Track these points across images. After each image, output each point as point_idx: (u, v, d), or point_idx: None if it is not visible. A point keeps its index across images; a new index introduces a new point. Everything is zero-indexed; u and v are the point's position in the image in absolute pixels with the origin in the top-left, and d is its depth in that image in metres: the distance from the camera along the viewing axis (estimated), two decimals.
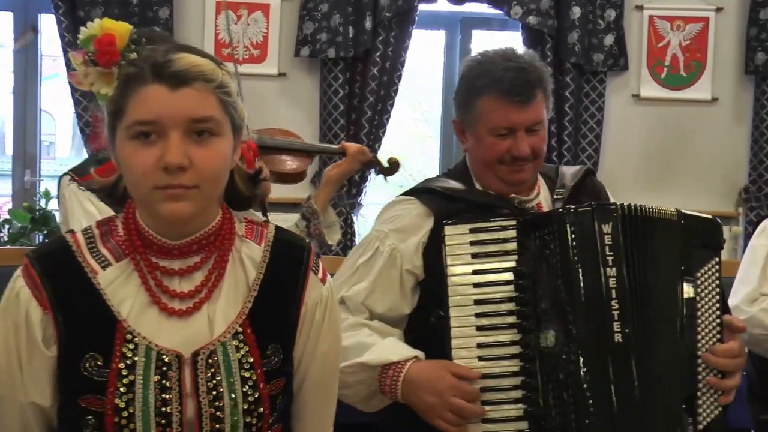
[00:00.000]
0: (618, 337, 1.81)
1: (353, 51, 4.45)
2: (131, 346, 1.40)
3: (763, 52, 4.63)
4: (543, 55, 4.58)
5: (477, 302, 1.89)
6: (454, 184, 2.11)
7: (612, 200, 2.19)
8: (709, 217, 2.00)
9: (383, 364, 1.90)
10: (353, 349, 1.91)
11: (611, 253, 1.84)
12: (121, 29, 1.39)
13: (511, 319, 1.88)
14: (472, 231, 1.93)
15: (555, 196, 2.11)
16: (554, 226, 1.87)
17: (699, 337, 1.90)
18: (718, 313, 1.93)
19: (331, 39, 4.42)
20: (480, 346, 1.88)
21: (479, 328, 1.89)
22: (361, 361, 1.90)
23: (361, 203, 4.60)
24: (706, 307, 1.92)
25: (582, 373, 1.80)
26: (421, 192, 2.11)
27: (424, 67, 5.68)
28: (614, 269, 1.83)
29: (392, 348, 1.94)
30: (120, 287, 1.44)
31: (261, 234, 1.54)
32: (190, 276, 1.46)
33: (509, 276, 1.90)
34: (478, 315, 1.89)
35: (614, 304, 1.82)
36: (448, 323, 1.89)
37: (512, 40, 4.69)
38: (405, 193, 2.14)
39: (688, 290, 1.90)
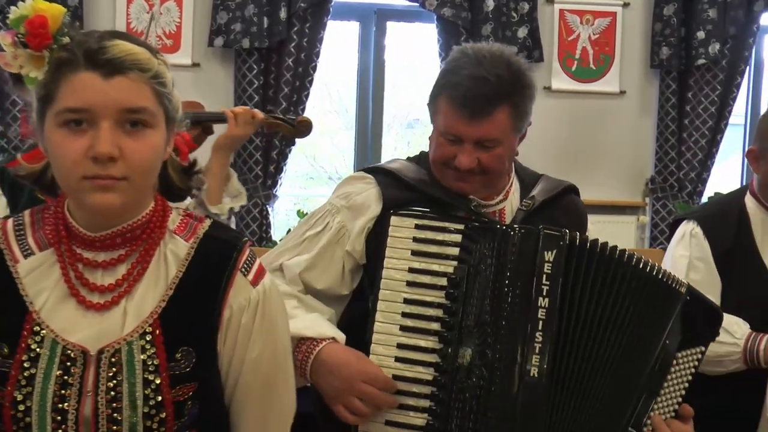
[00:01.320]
0: (534, 371, 1.73)
1: (268, 41, 4.40)
2: (38, 339, 1.37)
3: (668, 47, 4.77)
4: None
5: (406, 301, 1.82)
6: (415, 172, 2.03)
7: (585, 220, 2.11)
8: (715, 306, 1.94)
9: (297, 338, 1.81)
10: None
11: (547, 283, 1.75)
12: (54, 11, 1.35)
13: (435, 326, 1.80)
14: (417, 227, 1.84)
15: (520, 206, 2.02)
16: (496, 242, 1.79)
17: (652, 414, 1.83)
18: (679, 400, 1.87)
19: (245, 29, 4.37)
20: (399, 346, 1.81)
21: (403, 328, 1.82)
22: None
23: (276, 195, 4.56)
24: (672, 389, 1.85)
25: (488, 401, 1.73)
26: (380, 172, 2.03)
27: (339, 59, 5.67)
28: (547, 300, 1.75)
29: (310, 324, 1.86)
30: (40, 277, 1.40)
31: (194, 229, 1.48)
32: (113, 269, 1.41)
33: (443, 281, 1.81)
34: (404, 315, 1.82)
35: (538, 336, 1.74)
36: (374, 316, 1.83)
37: (427, 32, 4.72)
38: (365, 169, 2.07)
39: (661, 365, 1.82)
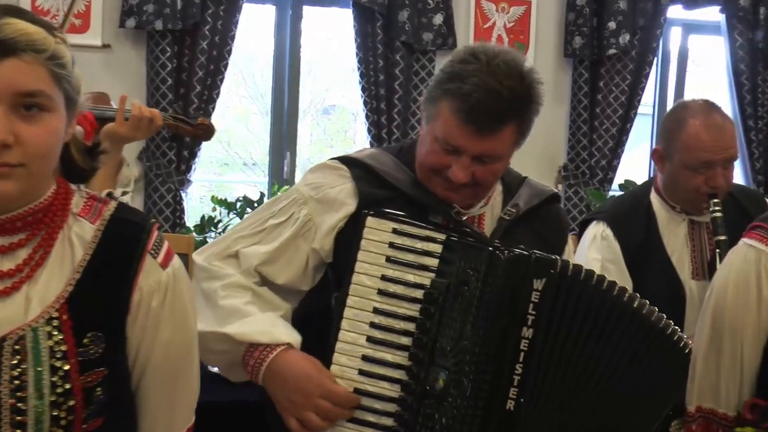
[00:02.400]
0: (510, 405, 1.64)
1: (181, 23, 4.32)
2: None
3: (580, 36, 4.85)
4: (373, 32, 4.63)
5: (376, 311, 1.71)
6: (394, 168, 1.89)
7: (565, 233, 2.03)
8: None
9: (249, 343, 1.74)
10: (226, 311, 1.74)
11: (533, 313, 1.65)
12: None
13: (405, 341, 1.69)
14: (395, 232, 1.72)
15: (502, 214, 1.91)
16: (482, 264, 1.66)
17: None
18: None
19: (158, 10, 4.27)
20: (365, 359, 1.70)
21: (370, 339, 1.70)
22: (227, 332, 1.73)
23: (190, 180, 4.49)
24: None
25: (459, 431, 1.64)
26: (356, 164, 1.89)
27: (254, 44, 5.61)
28: (531, 331, 1.65)
29: (265, 327, 1.75)
30: None
31: (99, 212, 1.42)
32: (14, 254, 1.35)
33: (419, 294, 1.70)
34: (373, 325, 1.70)
35: (518, 368, 1.65)
36: (339, 323, 1.72)
37: (343, 17, 4.70)
38: (341, 159, 1.94)
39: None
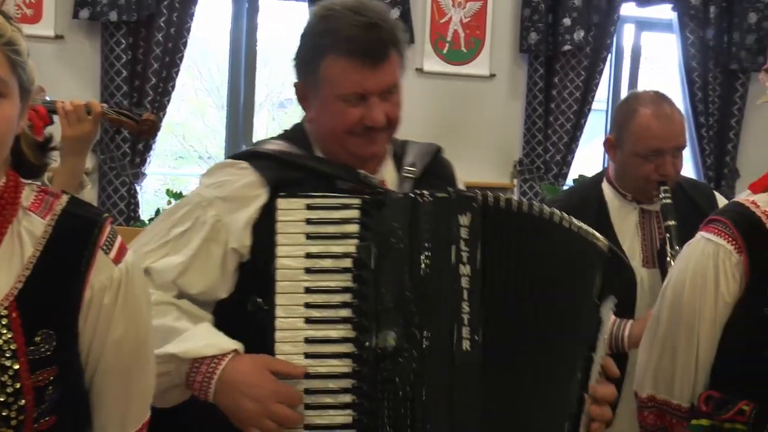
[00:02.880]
0: (466, 345, 1.61)
1: (136, 15, 4.28)
2: None
3: (536, 32, 4.89)
4: None
5: (308, 290, 1.65)
6: (291, 148, 1.85)
7: (458, 181, 2.01)
8: (629, 264, 1.87)
9: (195, 358, 1.64)
10: (158, 332, 1.64)
11: (466, 249, 1.63)
12: None
13: (345, 313, 1.64)
14: (309, 207, 1.67)
15: (404, 174, 1.88)
16: (405, 214, 1.64)
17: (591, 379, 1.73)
18: (603, 354, 1.78)
19: (112, 1, 4.23)
20: (308, 341, 1.63)
21: (309, 320, 1.64)
22: (171, 352, 1.63)
23: (144, 173, 4.46)
24: (602, 348, 1.77)
25: (423, 384, 1.60)
26: (255, 156, 1.83)
27: (209, 36, 5.58)
28: (468, 267, 1.62)
29: (207, 339, 1.67)
30: None
31: (50, 206, 1.38)
32: None
33: (347, 263, 1.65)
34: (308, 305, 1.64)
35: (465, 306, 1.62)
36: (273, 312, 1.65)
37: (299, 10, 4.70)
38: (235, 156, 1.88)
39: (596, 327, 1.72)
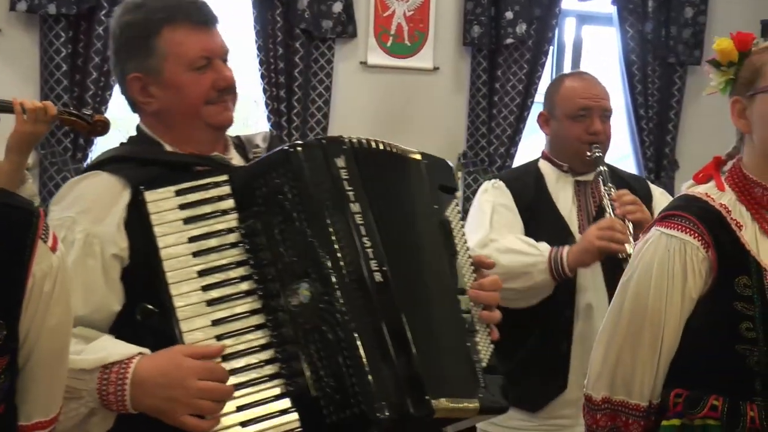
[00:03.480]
0: (378, 277, 1.62)
1: (76, 8, 4.22)
2: None
3: (479, 25, 4.92)
4: (273, 20, 4.61)
5: (201, 273, 1.63)
6: (140, 147, 1.83)
7: None
8: (444, 159, 1.94)
9: (102, 366, 1.56)
10: None
11: (351, 188, 1.66)
12: None
13: (246, 286, 1.65)
14: (179, 193, 1.65)
15: (252, 157, 1.89)
16: (284, 165, 1.65)
17: (460, 275, 1.80)
18: (469, 252, 1.86)
19: None
20: (216, 323, 1.61)
21: (210, 302, 1.62)
22: (76, 367, 1.55)
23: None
24: (460, 245, 1.84)
25: (352, 325, 1.59)
26: (105, 162, 1.78)
27: None
28: (358, 205, 1.66)
29: (109, 347, 1.60)
30: None
31: None
32: None
33: (234, 237, 1.66)
34: (205, 288, 1.62)
35: (366, 241, 1.64)
36: (171, 304, 1.61)
37: (242, 5, 4.67)
38: (81, 172, 1.83)
39: (445, 229, 1.80)
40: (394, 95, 4.97)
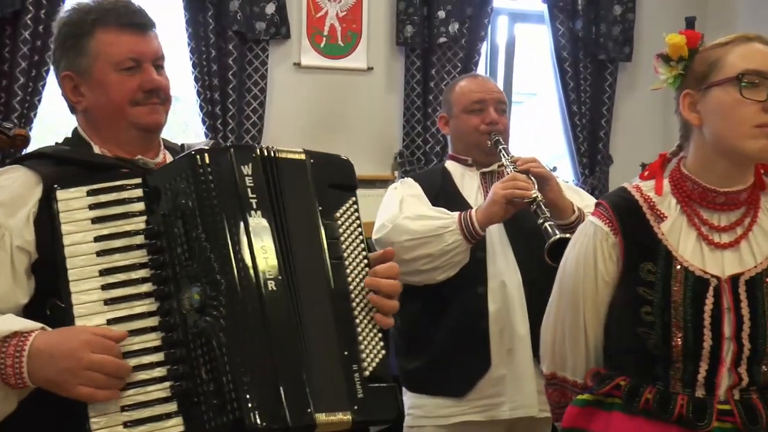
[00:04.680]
0: (271, 285, 1.65)
1: (0, 12, 4.14)
2: None
3: (411, 25, 4.94)
4: (205, 22, 4.58)
5: (103, 273, 1.65)
6: (65, 147, 1.88)
7: None
8: (340, 155, 1.91)
9: (1, 339, 1.59)
10: None
11: (254, 196, 1.68)
12: None
13: (146, 287, 1.66)
14: (90, 193, 1.68)
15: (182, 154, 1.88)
16: (188, 171, 1.67)
17: (350, 279, 1.78)
18: (365, 253, 1.85)
19: None
20: (111, 322, 1.63)
21: (109, 302, 1.64)
22: None
23: None
24: (352, 247, 1.82)
25: (235, 329, 1.61)
26: (26, 158, 1.83)
27: None
28: (259, 213, 1.68)
29: (11, 322, 1.62)
30: None
31: None
32: None
33: (140, 239, 1.68)
34: (105, 287, 1.64)
35: (263, 249, 1.67)
36: (69, 301, 1.63)
37: (173, 6, 4.62)
38: (8, 163, 1.87)
39: (329, 231, 1.79)
40: (329, 96, 4.97)
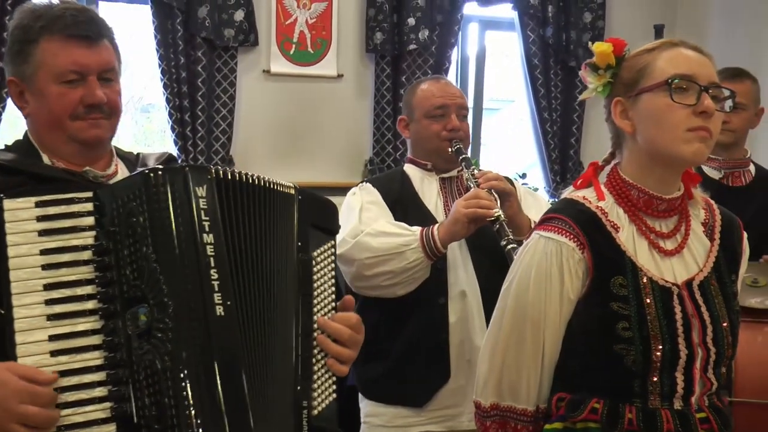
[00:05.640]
0: (220, 310, 1.61)
1: None
2: None
3: (381, 32, 4.94)
4: (173, 29, 4.56)
5: (48, 287, 1.60)
6: (15, 156, 1.83)
7: None
8: (328, 199, 1.90)
9: None
10: None
11: (207, 219, 1.63)
12: None
13: (91, 305, 1.61)
14: (39, 204, 1.62)
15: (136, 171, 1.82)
16: (141, 188, 1.62)
17: (315, 318, 1.78)
18: (333, 296, 1.84)
19: None
20: (53, 338, 1.58)
21: (51, 317, 1.58)
22: None
23: None
24: (322, 288, 1.82)
25: (182, 357, 1.57)
26: None
27: None
28: (211, 236, 1.63)
29: None
30: None
31: None
32: None
33: (88, 255, 1.63)
34: (49, 302, 1.59)
35: (213, 273, 1.61)
36: (10, 314, 1.57)
37: (141, 14, 4.61)
38: None
39: (303, 267, 1.78)
40: (299, 103, 4.96)
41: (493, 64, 5.60)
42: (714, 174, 3.18)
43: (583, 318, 1.83)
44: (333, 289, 1.84)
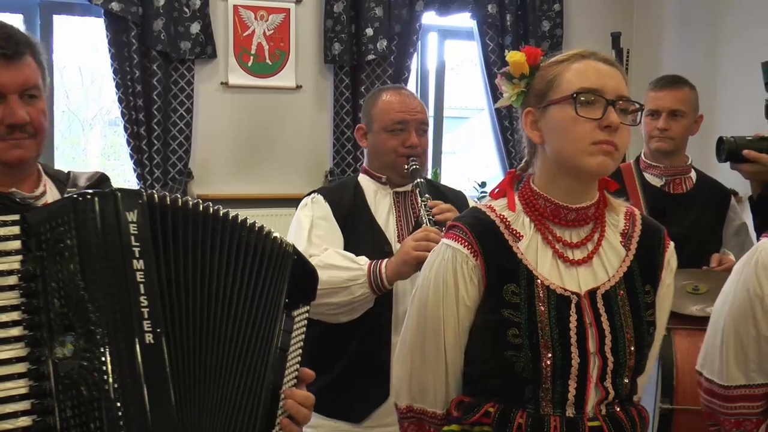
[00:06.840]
0: (149, 338, 1.57)
1: None
2: None
3: (339, 43, 4.95)
4: (128, 42, 4.54)
5: None
6: None
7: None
8: (314, 267, 1.88)
9: None
10: None
11: (137, 244, 1.59)
12: None
13: (16, 331, 1.56)
14: None
15: (66, 196, 1.80)
16: (69, 214, 1.58)
17: (285, 380, 1.76)
18: (299, 359, 1.82)
19: None
20: None
21: None
22: None
23: None
24: (294, 348, 1.80)
25: (109, 386, 1.53)
26: None
27: None
28: (142, 262, 1.59)
29: None
30: None
31: None
32: None
33: (14, 280, 1.57)
34: None
35: (143, 300, 1.57)
36: None
37: (96, 27, 4.59)
38: None
39: (287, 322, 1.77)
40: (258, 115, 4.95)
41: (456, 74, 5.61)
42: (655, 181, 3.19)
43: (479, 324, 1.86)
44: (299, 357, 1.82)
